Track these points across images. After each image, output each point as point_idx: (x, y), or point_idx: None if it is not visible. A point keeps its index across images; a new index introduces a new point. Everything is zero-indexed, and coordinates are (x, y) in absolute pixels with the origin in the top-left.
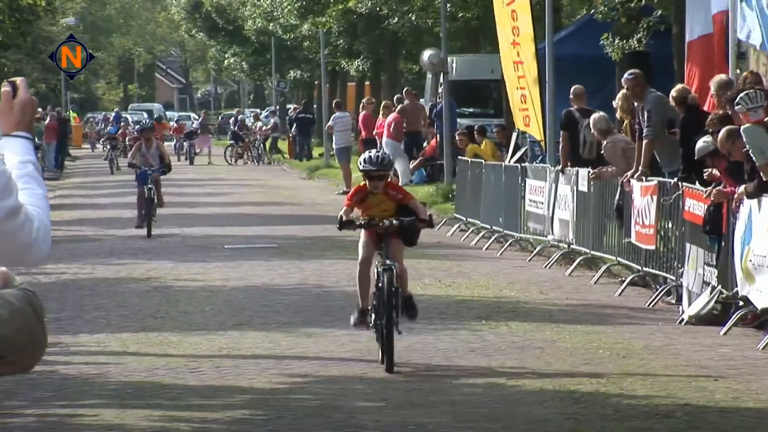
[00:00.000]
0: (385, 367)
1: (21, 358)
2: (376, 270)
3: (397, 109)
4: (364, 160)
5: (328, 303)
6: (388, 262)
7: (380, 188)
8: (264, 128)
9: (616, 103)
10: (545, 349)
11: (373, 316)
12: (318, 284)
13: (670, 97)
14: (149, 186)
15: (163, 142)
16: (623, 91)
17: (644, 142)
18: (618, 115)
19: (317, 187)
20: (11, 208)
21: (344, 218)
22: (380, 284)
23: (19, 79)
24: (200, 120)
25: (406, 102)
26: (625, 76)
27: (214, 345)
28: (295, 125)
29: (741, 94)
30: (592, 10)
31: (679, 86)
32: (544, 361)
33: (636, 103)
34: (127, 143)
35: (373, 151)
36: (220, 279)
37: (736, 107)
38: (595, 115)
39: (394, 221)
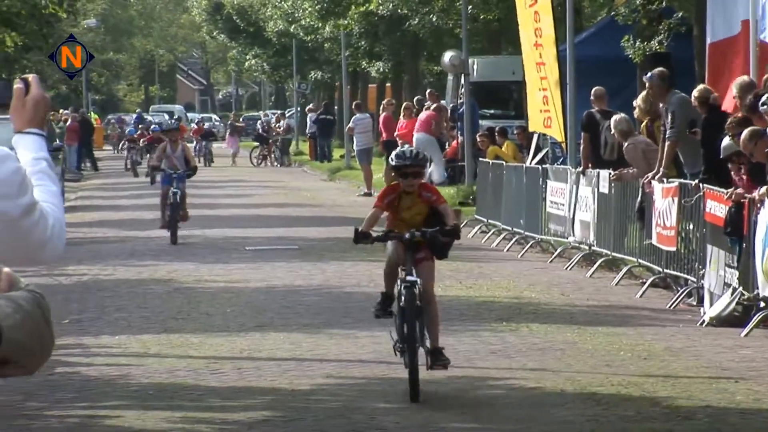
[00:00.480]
0: (409, 395)
1: (31, 361)
2: (397, 286)
3: (432, 107)
4: (397, 155)
5: (349, 304)
6: (410, 278)
7: (415, 186)
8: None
9: (637, 103)
10: (566, 351)
11: (396, 338)
12: (339, 286)
13: (692, 98)
14: (174, 189)
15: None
16: (645, 92)
17: (667, 143)
18: (636, 115)
19: (338, 189)
20: (27, 206)
21: (360, 230)
22: (401, 303)
23: (31, 76)
24: (230, 121)
25: (428, 103)
26: (647, 75)
27: (235, 346)
28: (316, 127)
29: None
30: (613, 12)
31: (701, 86)
32: (565, 363)
33: (661, 105)
34: (141, 144)
35: (407, 146)
36: (241, 280)
37: (762, 107)
38: (616, 117)
39: (416, 233)
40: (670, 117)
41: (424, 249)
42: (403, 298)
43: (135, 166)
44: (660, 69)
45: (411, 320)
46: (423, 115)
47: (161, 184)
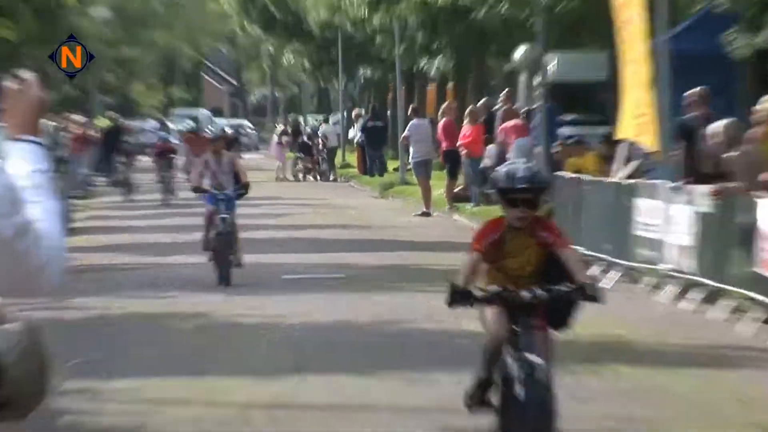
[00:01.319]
0: None
1: (29, 402)
2: (506, 367)
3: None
4: (507, 174)
5: (402, 342)
6: (533, 359)
7: (527, 221)
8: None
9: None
10: (657, 396)
11: None
12: (391, 321)
13: None
14: (223, 215)
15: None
16: None
17: None
18: (755, 120)
19: (391, 208)
20: (20, 226)
21: (460, 287)
22: (523, 396)
23: (27, 75)
24: (281, 129)
25: (501, 106)
26: None
27: (269, 391)
28: (363, 135)
29: None
30: (713, 2)
31: None
32: (655, 410)
33: None
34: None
35: (520, 161)
36: (276, 315)
37: None
38: (724, 122)
39: (539, 292)
40: None
41: (539, 319)
42: (524, 389)
43: (126, 186)
44: None
45: (538, 421)
46: (512, 122)
47: (206, 202)
